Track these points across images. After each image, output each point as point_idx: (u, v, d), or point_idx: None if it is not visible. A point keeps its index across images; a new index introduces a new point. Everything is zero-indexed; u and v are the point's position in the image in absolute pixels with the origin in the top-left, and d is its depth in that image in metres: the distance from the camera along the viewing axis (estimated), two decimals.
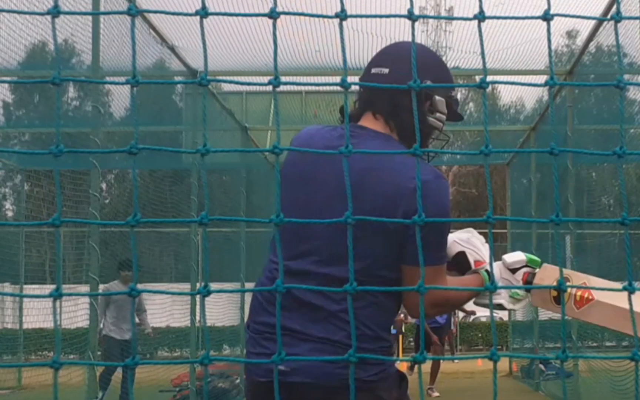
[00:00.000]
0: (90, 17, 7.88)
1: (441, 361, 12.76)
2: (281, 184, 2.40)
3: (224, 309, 13.50)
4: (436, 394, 12.49)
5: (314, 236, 2.40)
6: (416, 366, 1.41)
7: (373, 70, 2.43)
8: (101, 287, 10.59)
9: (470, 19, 1.26)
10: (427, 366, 12.42)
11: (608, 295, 2.63)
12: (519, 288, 2.87)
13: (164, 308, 14.89)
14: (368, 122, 2.44)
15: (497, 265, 2.90)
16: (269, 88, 1.38)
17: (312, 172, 2.42)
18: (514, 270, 2.90)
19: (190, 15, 1.40)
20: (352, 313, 1.43)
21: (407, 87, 1.40)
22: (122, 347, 10.53)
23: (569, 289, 2.68)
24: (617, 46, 1.44)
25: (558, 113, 11.57)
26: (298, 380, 2.33)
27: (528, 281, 2.83)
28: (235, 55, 11.16)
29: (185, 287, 13.94)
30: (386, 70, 2.43)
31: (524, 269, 2.90)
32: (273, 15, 1.37)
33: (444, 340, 13.49)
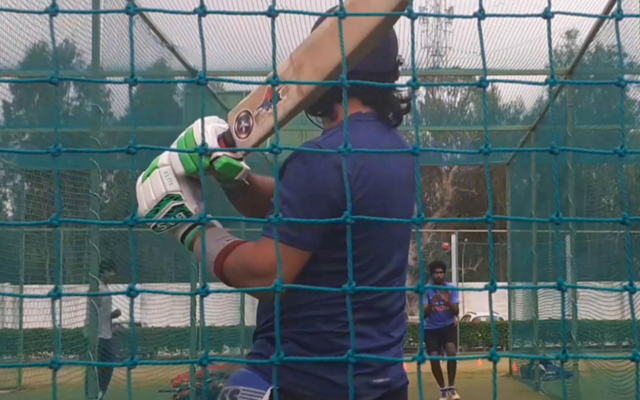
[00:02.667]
0: (90, 17, 7.87)
1: (457, 361, 12.55)
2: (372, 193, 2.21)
3: (224, 309, 13.49)
4: (456, 396, 12.24)
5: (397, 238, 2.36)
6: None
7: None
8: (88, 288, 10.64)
9: (469, 17, 1.26)
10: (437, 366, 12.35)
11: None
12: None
13: (164, 308, 14.88)
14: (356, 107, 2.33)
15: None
16: (272, 89, 1.37)
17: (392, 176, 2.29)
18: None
19: (189, 13, 1.40)
20: (351, 313, 1.42)
21: (406, 86, 1.40)
22: (104, 347, 10.56)
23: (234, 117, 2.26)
24: (618, 44, 1.44)
25: (558, 113, 11.57)
26: (401, 384, 2.35)
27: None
28: (235, 55, 11.16)
29: (185, 287, 13.94)
30: None
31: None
32: (272, 13, 1.37)
33: (456, 339, 13.25)
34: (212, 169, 2.23)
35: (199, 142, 2.18)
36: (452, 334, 12.66)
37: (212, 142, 2.23)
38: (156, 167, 2.27)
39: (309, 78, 2.10)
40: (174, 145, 2.26)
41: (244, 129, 2.22)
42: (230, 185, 2.36)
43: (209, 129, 2.25)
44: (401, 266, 2.35)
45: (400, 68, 2.43)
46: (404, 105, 2.39)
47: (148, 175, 2.28)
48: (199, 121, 2.16)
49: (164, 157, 2.28)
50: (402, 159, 2.32)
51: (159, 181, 2.24)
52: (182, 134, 2.28)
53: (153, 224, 2.25)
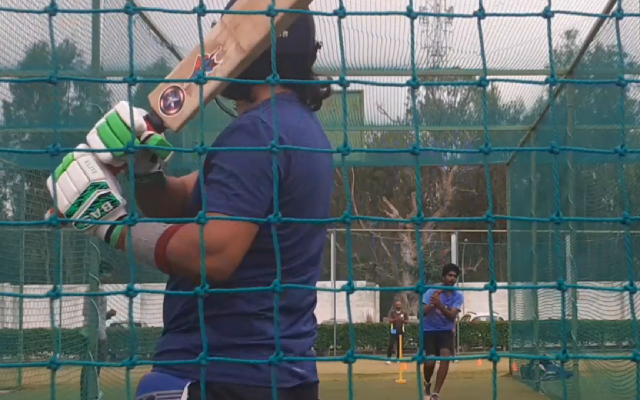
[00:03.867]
0: (90, 17, 7.87)
1: (448, 366, 12.42)
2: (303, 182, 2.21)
3: None
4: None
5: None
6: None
7: None
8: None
9: (469, 16, 1.26)
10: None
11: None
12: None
13: None
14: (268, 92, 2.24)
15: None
16: (271, 89, 1.37)
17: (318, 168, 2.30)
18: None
19: (188, 13, 1.40)
20: (350, 312, 1.42)
21: (406, 85, 1.40)
22: (98, 347, 10.64)
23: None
24: (618, 44, 1.44)
25: (558, 113, 11.57)
26: (315, 380, 2.31)
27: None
28: None
29: None
30: None
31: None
32: (271, 13, 1.37)
33: (452, 345, 13.08)
34: (143, 155, 2.13)
35: (127, 121, 2.07)
36: (449, 339, 12.40)
37: (139, 121, 2.11)
38: (73, 160, 2.10)
39: (250, 33, 2.05)
40: (93, 132, 2.12)
41: (172, 104, 2.13)
42: (149, 181, 2.24)
43: (134, 109, 2.11)
44: (319, 253, 2.31)
45: (317, 52, 2.37)
46: (323, 89, 2.36)
47: (64, 169, 2.10)
48: (121, 102, 2.12)
49: (81, 148, 2.14)
50: (327, 146, 2.33)
51: (79, 172, 2.08)
52: (102, 120, 2.12)
53: (78, 219, 2.07)
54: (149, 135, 2.09)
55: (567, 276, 11.01)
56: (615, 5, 1.43)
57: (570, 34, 13.43)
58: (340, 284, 18.39)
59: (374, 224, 36.81)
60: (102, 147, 2.09)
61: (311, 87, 2.33)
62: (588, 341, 13.72)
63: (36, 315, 15.58)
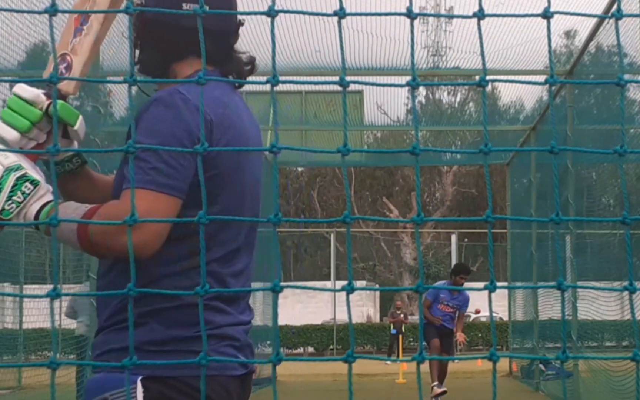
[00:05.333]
0: None
1: (447, 368, 12.31)
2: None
3: None
4: (440, 390, 12.01)
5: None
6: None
7: None
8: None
9: (469, 17, 1.26)
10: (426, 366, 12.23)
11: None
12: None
13: None
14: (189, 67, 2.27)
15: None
16: (270, 89, 1.37)
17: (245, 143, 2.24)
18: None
19: (189, 13, 1.40)
20: (350, 312, 1.42)
21: (406, 85, 1.40)
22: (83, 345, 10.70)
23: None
24: (618, 44, 1.44)
25: (558, 113, 11.58)
26: (253, 369, 2.32)
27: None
28: None
29: None
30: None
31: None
32: (271, 13, 1.37)
33: (452, 346, 12.97)
34: (53, 127, 2.09)
35: (27, 96, 2.09)
36: (449, 339, 12.35)
37: (35, 92, 2.10)
38: None
39: None
40: None
41: (64, 70, 2.16)
42: (71, 167, 2.25)
43: (28, 86, 2.13)
44: (252, 238, 2.27)
45: (240, 29, 2.36)
46: (247, 67, 2.34)
47: None
48: (17, 84, 2.15)
49: None
50: (253, 121, 2.30)
51: None
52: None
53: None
54: (49, 104, 2.08)
55: (567, 276, 11.00)
56: (615, 6, 1.43)
57: (569, 34, 13.44)
58: (340, 284, 18.39)
59: (374, 224, 36.82)
60: (9, 130, 2.09)
61: (234, 64, 2.31)
62: (588, 341, 13.71)
63: (36, 315, 15.56)
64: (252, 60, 2.34)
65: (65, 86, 2.15)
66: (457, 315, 12.30)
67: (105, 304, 2.17)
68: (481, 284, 13.32)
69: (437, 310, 12.02)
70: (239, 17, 2.36)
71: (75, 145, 2.24)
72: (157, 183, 2.00)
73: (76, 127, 2.16)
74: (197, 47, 2.08)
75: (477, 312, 14.24)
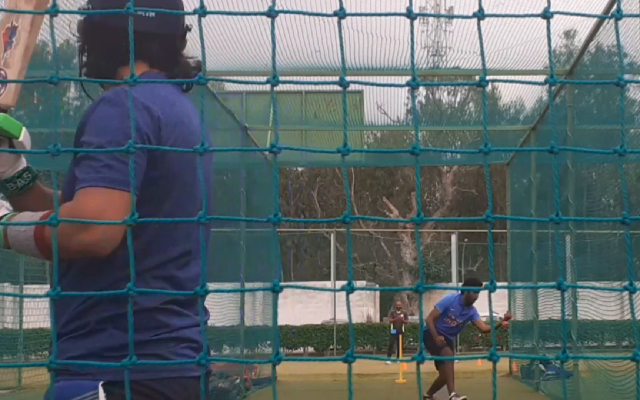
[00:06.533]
0: None
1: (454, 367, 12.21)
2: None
3: (224, 309, 13.50)
4: (460, 397, 11.80)
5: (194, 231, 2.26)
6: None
7: None
8: None
9: (469, 17, 1.26)
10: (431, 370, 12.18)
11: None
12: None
13: None
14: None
15: None
16: (270, 89, 1.37)
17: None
18: None
19: (189, 13, 1.40)
20: (350, 312, 1.42)
21: (406, 86, 1.40)
22: None
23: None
24: (618, 44, 1.44)
25: (558, 113, 11.58)
26: (210, 370, 2.36)
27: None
28: (236, 56, 11.16)
29: None
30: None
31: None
32: (271, 13, 1.37)
33: (452, 345, 12.92)
34: None
35: None
36: (450, 347, 12.22)
37: None
38: None
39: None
40: None
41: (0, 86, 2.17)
42: (23, 183, 2.27)
43: None
44: (207, 228, 2.25)
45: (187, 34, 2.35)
46: (195, 71, 2.34)
47: None
48: None
49: None
50: (197, 118, 2.29)
51: None
52: None
53: None
54: None
55: (567, 276, 11.00)
56: (615, 6, 1.43)
57: (569, 34, 13.44)
58: (340, 284, 18.38)
59: (374, 223, 36.82)
60: None
61: (180, 67, 2.31)
62: (588, 341, 13.72)
63: (36, 315, 15.57)
64: (199, 65, 2.34)
65: (4, 99, 2.17)
66: (465, 326, 12.33)
67: (62, 309, 2.13)
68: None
69: (443, 323, 11.85)
70: (186, 21, 2.35)
71: (23, 158, 2.27)
72: (111, 180, 2.01)
73: (21, 138, 2.19)
74: (145, 51, 2.19)
75: (508, 317, 13.93)
